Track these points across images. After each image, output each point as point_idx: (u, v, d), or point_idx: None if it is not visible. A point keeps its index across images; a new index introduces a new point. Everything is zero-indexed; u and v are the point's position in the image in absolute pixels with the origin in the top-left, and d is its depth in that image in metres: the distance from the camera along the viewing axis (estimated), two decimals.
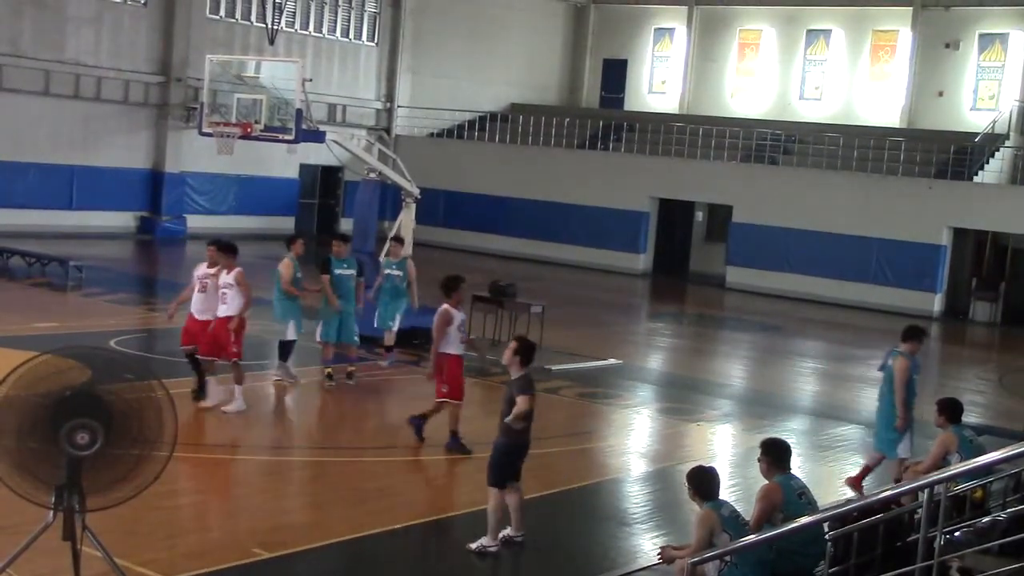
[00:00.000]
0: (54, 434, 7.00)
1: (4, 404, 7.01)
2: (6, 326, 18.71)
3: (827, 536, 8.30)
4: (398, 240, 18.29)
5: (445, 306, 13.18)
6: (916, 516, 8.27)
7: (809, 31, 40.47)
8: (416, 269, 18.11)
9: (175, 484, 10.56)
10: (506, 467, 10.35)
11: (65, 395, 7.08)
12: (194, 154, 33.85)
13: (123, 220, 34.17)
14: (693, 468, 8.62)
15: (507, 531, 10.38)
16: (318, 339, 16.27)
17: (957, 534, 8.24)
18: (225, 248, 14.53)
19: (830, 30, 40.09)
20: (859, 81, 39.57)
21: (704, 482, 8.41)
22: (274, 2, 35.29)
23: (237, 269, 14.30)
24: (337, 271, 16.21)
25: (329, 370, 16.25)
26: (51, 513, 7.19)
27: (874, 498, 8.56)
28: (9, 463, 7.03)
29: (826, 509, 8.83)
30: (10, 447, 7.03)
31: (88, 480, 7.14)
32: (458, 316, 13.19)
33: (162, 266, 30.15)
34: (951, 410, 11.02)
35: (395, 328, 17.84)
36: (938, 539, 7.56)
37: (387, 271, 17.62)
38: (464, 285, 13.55)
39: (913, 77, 38.35)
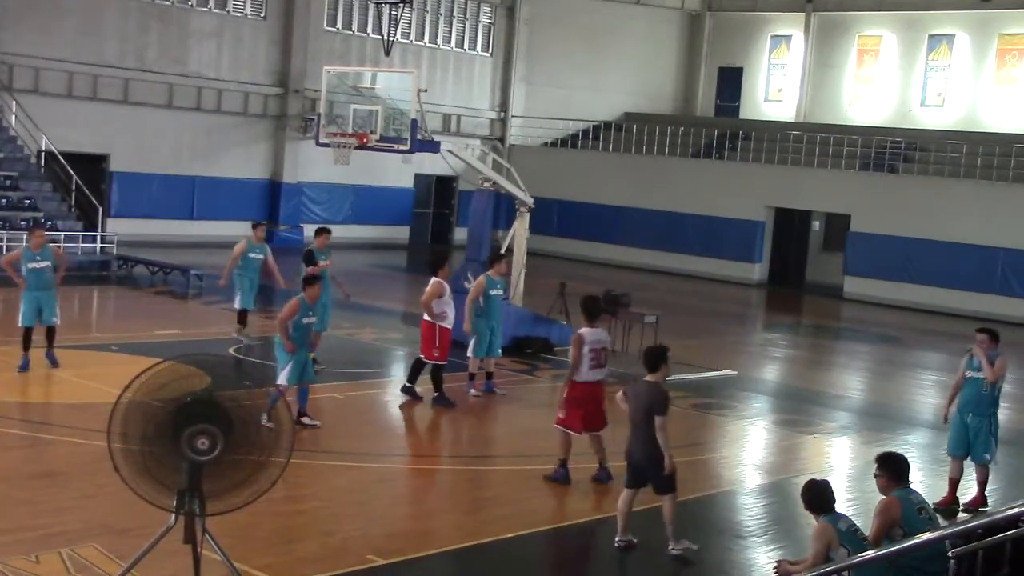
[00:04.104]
0: (175, 439, 7.14)
1: (128, 409, 7.17)
2: (130, 333, 19.22)
3: (950, 554, 8.07)
4: (260, 223, 19.49)
5: None
6: None
7: (931, 36, 39.57)
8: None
9: (292, 490, 10.71)
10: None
11: (186, 401, 7.22)
12: (311, 164, 34.45)
13: (242, 229, 34.48)
14: (807, 482, 8.50)
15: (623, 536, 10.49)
16: (469, 354, 16.46)
17: None
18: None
19: (953, 35, 39.15)
20: (984, 87, 38.58)
21: (816, 496, 8.28)
22: (390, 14, 35.67)
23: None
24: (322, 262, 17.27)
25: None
26: (172, 517, 7.33)
27: (1000, 515, 8.32)
28: (133, 467, 7.19)
29: (948, 525, 8.60)
30: (134, 451, 7.19)
31: (208, 485, 7.26)
32: None
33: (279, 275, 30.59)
34: None
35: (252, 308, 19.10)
36: None
37: (250, 255, 18.71)
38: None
39: None
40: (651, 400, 10.30)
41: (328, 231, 18.14)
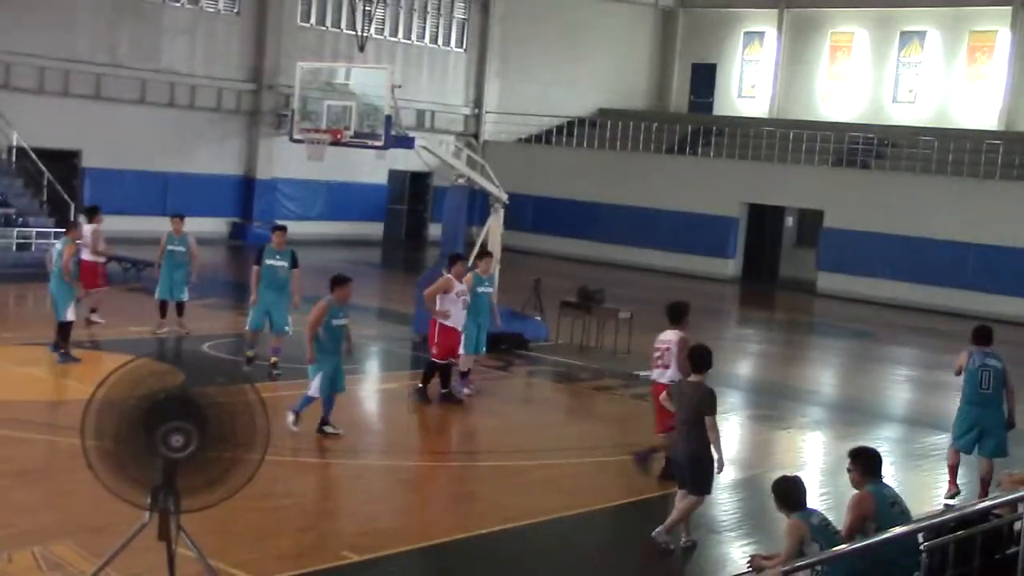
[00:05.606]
0: (150, 436, 7.11)
1: (102, 407, 7.13)
2: (103, 330, 19.11)
3: (922, 547, 8.12)
4: (179, 216, 19.27)
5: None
6: (1016, 528, 8.08)
7: (903, 33, 39.83)
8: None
9: (267, 487, 10.67)
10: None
11: (160, 398, 7.19)
12: (285, 160, 34.33)
13: (216, 226, 34.69)
14: (777, 479, 8.53)
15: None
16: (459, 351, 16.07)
17: None
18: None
19: (925, 32, 39.41)
20: (955, 83, 38.84)
21: (789, 493, 8.31)
22: (364, 9, 35.60)
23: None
24: (269, 261, 17.12)
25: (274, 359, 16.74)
26: (147, 514, 7.30)
27: (971, 508, 8.38)
28: (107, 465, 7.14)
29: (921, 519, 8.66)
30: (108, 449, 7.15)
31: (183, 482, 7.23)
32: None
33: (253, 272, 30.49)
34: None
35: (186, 298, 19.14)
36: None
37: (170, 247, 18.97)
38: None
39: (1012, 78, 37.56)
40: (699, 400, 10.32)
41: (284, 229, 17.89)
